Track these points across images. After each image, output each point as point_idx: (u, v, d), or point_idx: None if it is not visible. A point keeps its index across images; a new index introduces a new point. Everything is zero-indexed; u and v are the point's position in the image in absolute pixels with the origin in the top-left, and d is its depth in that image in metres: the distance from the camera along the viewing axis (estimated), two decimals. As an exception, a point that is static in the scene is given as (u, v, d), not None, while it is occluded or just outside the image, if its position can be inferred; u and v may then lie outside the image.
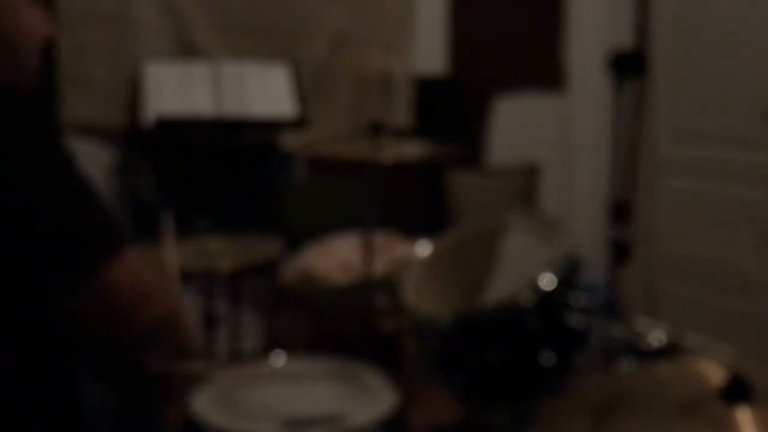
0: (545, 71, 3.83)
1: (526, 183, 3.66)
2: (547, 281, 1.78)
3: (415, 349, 2.38)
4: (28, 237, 1.09)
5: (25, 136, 1.13)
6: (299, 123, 2.93)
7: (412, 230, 2.98)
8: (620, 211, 2.37)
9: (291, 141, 3.37)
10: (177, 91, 2.71)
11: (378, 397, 1.75)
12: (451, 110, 3.76)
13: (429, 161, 3.04)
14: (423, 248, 2.13)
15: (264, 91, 2.83)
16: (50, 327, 1.14)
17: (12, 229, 1.09)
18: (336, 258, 2.90)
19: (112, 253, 1.12)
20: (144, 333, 1.18)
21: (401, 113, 3.60)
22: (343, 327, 2.91)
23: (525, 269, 1.85)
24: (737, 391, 1.18)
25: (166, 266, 1.57)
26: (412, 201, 3.62)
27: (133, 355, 1.20)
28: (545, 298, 1.78)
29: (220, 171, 2.68)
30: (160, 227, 1.78)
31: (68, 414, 1.22)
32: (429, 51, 3.72)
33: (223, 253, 2.48)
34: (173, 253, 1.66)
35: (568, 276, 1.83)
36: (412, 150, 2.59)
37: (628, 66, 2.19)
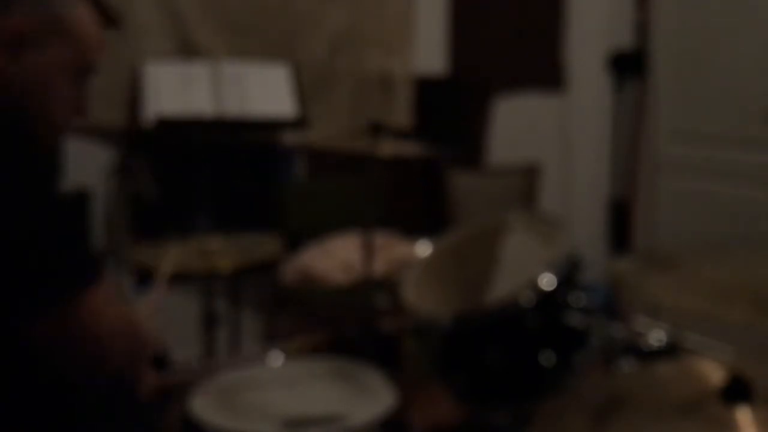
0: (545, 71, 3.83)
1: (526, 183, 3.66)
2: (547, 281, 1.78)
3: (415, 349, 2.38)
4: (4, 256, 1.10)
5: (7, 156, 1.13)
6: (299, 123, 2.93)
7: (412, 230, 2.98)
8: (620, 211, 2.37)
9: (291, 141, 3.37)
10: (177, 91, 2.70)
11: (378, 397, 1.75)
12: (451, 110, 3.76)
13: (429, 161, 3.04)
14: (423, 248, 2.12)
15: (264, 91, 2.83)
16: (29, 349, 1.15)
17: None
18: (336, 258, 2.90)
19: (83, 287, 1.13)
20: (111, 366, 1.20)
21: (401, 113, 3.60)
22: (343, 327, 2.90)
23: (525, 269, 1.85)
24: (737, 391, 1.18)
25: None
26: (412, 201, 3.62)
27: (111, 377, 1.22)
28: (545, 298, 1.77)
29: (219, 171, 2.68)
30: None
31: None
32: (429, 51, 3.72)
33: (223, 253, 2.48)
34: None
35: (568, 276, 1.82)
36: (411, 150, 2.58)
37: (628, 66, 2.19)
